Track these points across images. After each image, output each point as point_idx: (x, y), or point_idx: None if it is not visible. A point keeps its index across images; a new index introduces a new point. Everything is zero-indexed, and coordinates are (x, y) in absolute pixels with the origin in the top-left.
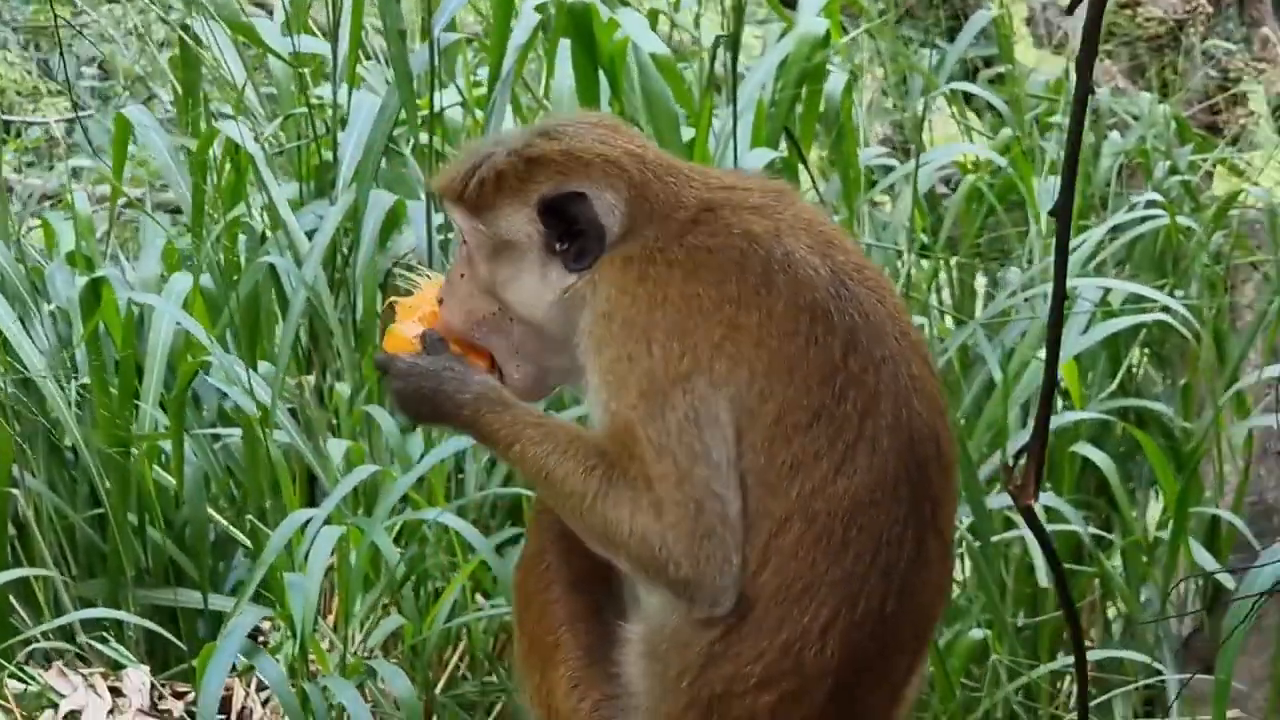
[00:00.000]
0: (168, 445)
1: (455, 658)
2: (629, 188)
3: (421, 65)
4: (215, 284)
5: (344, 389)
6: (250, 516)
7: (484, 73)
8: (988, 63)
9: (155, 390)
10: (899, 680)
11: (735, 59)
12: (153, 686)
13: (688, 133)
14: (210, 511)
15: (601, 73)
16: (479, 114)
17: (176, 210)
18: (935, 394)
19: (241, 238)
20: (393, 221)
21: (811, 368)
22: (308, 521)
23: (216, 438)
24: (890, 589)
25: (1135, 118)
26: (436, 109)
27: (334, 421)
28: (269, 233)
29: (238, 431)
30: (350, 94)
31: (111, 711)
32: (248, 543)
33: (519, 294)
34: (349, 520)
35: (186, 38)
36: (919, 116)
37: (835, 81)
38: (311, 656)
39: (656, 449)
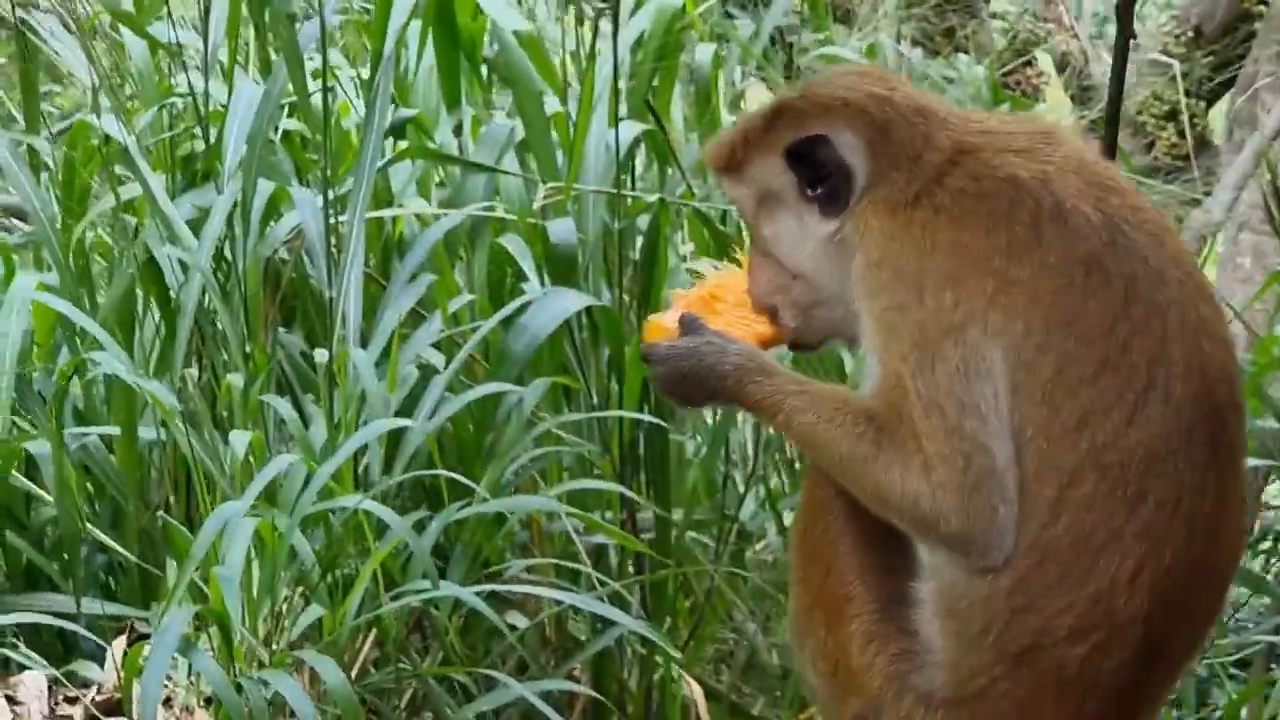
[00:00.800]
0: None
1: (365, 647)
2: (869, 128)
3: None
4: (68, 284)
5: (237, 380)
6: (167, 514)
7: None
8: (784, 35)
9: (6, 391)
10: (1200, 624)
11: (616, 28)
12: (50, 691)
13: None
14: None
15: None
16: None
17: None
18: (1224, 335)
19: (89, 235)
20: (270, 210)
21: (1091, 321)
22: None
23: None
24: (1196, 535)
25: (950, 80)
26: (318, 93)
27: (224, 414)
28: (141, 225)
29: (98, 430)
30: (232, 81)
31: None
32: (108, 542)
33: (785, 246)
34: (264, 514)
35: (27, 31)
36: (738, 88)
37: (703, 52)
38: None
39: (925, 404)
